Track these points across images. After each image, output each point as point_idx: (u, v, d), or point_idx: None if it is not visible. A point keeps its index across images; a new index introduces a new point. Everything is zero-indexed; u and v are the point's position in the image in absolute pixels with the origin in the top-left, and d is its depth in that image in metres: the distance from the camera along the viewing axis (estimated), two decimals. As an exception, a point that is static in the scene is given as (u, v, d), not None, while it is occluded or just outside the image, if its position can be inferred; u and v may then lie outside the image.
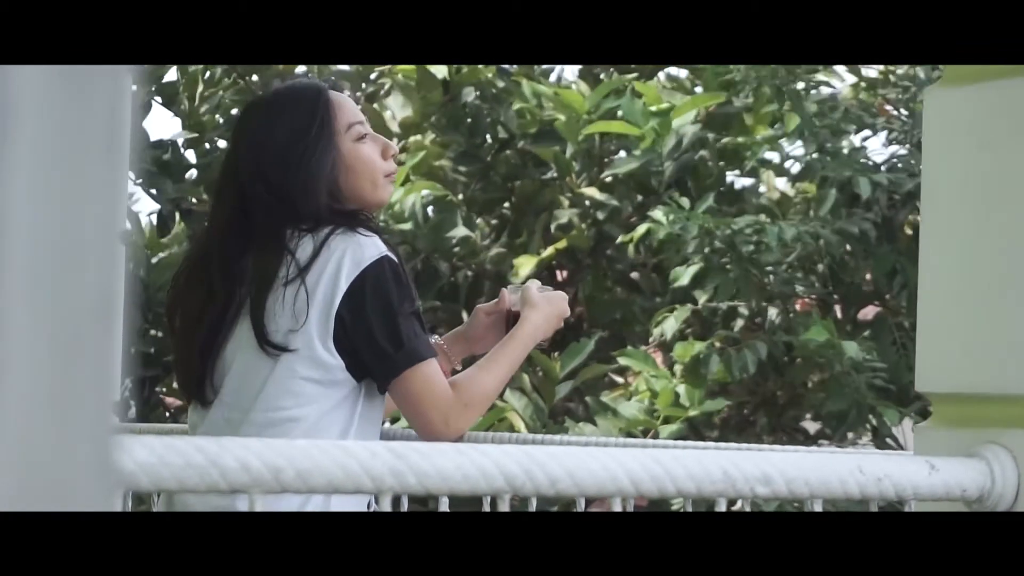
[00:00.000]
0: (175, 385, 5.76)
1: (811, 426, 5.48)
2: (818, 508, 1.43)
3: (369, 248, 2.39)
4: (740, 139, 5.38)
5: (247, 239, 2.44)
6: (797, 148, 5.28)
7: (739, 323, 5.29)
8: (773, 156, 5.44)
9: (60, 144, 0.64)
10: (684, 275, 5.04)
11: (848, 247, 5.03)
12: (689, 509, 1.63)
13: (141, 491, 1.25)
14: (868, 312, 5.37)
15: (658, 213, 5.01)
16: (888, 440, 5.20)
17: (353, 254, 2.38)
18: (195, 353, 2.46)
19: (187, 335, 2.49)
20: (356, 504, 2.41)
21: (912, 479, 1.46)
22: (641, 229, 5.15)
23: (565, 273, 5.94)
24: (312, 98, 2.51)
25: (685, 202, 5.00)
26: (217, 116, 5.63)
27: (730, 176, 5.60)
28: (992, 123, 1.63)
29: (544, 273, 5.61)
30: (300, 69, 5.59)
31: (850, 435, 5.11)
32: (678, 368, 4.99)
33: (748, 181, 5.62)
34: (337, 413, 2.38)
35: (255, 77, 5.62)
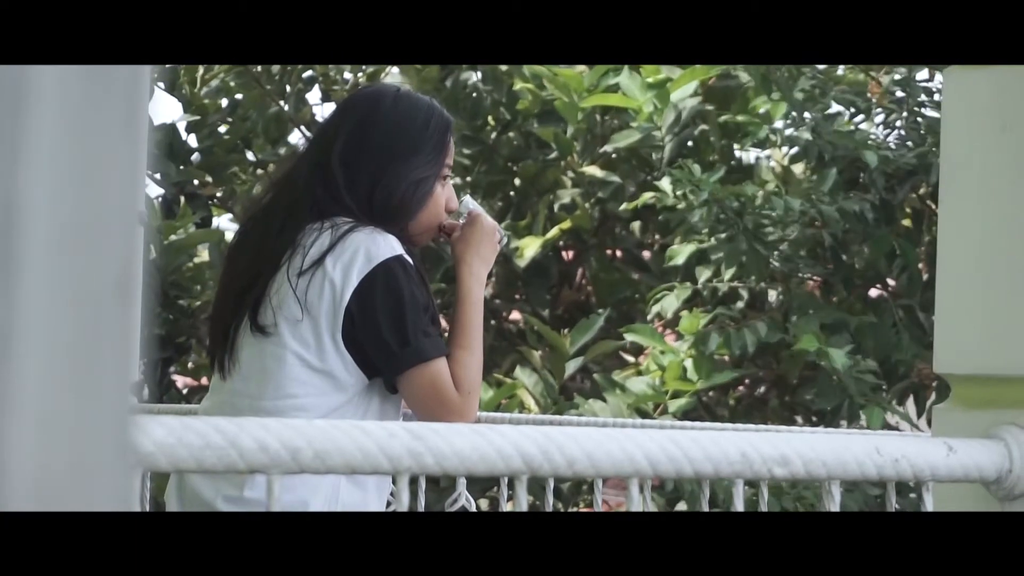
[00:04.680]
0: (189, 366, 5.79)
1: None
2: (835, 489, 1.43)
3: (384, 246, 2.38)
4: (739, 117, 5.36)
5: (287, 217, 2.44)
6: (790, 130, 5.26)
7: (739, 304, 5.28)
8: (771, 135, 5.43)
9: (79, 123, 0.64)
10: (680, 254, 5.04)
11: (847, 226, 5.02)
12: (706, 491, 1.63)
13: (159, 471, 1.25)
14: (872, 292, 5.37)
15: (664, 183, 5.01)
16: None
17: (368, 250, 2.37)
18: (225, 316, 2.47)
19: (223, 297, 2.51)
20: (377, 502, 2.41)
21: (929, 460, 1.46)
22: (645, 196, 5.14)
23: (571, 253, 5.96)
24: (444, 128, 2.51)
25: (697, 169, 4.97)
26: (220, 100, 5.63)
27: (735, 151, 5.59)
28: (1013, 104, 1.62)
29: (550, 253, 5.63)
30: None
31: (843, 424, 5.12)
32: (684, 344, 5.00)
33: (754, 155, 5.60)
34: (347, 410, 2.37)
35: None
